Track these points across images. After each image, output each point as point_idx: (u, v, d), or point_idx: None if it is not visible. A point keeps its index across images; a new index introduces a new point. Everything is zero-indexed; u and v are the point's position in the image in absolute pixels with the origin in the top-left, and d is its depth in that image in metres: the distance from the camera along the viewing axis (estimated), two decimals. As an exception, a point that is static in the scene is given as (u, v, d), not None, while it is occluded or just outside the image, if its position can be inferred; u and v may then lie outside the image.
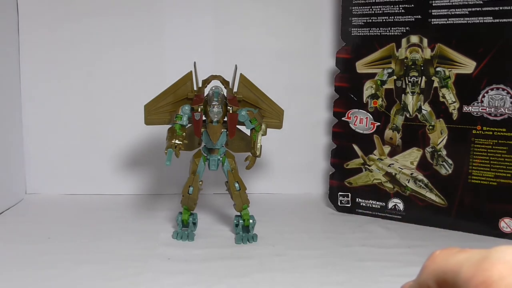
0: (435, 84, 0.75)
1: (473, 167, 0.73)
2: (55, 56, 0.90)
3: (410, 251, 0.67)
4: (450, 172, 0.75)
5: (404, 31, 0.76)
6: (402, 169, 0.79)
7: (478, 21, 0.71)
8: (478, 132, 0.72)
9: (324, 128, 0.95)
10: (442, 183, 0.76)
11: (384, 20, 0.78)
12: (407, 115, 0.78)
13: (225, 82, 0.70)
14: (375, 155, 0.81)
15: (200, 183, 0.69)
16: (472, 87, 0.72)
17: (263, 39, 0.93)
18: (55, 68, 0.90)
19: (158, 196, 0.92)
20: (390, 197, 0.81)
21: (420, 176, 0.78)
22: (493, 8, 0.69)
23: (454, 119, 0.74)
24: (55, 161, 0.92)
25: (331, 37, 0.93)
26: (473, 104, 0.72)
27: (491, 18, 0.69)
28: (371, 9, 0.79)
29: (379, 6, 0.78)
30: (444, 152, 0.76)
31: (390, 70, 0.78)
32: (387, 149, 0.80)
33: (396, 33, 0.77)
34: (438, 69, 0.74)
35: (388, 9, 0.77)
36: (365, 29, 0.80)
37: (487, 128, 0.72)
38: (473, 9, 0.71)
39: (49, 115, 0.91)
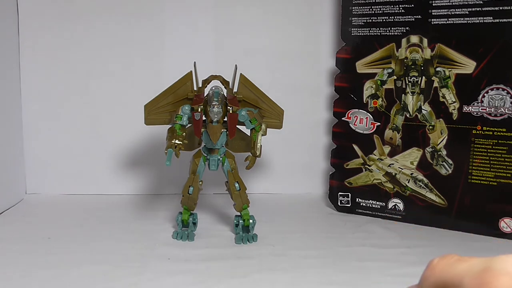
0: (435, 84, 0.75)
1: (473, 167, 0.73)
2: (55, 56, 0.90)
3: (410, 251, 0.67)
4: (450, 172, 0.75)
5: (404, 31, 0.76)
6: (402, 169, 0.79)
7: (478, 21, 0.70)
8: (478, 132, 0.72)
9: (324, 128, 0.95)
10: (442, 183, 0.76)
11: (384, 20, 0.78)
12: (407, 115, 0.78)
13: (225, 82, 0.70)
14: (375, 155, 0.81)
15: (200, 183, 0.69)
16: (472, 87, 0.72)
17: (263, 39, 0.93)
18: (55, 68, 0.90)
19: (158, 196, 0.92)
20: (390, 197, 0.81)
21: (420, 176, 0.78)
22: (493, 8, 0.69)
23: (454, 119, 0.74)
24: (55, 161, 0.92)
25: (331, 37, 0.93)
26: (473, 104, 0.72)
27: (491, 18, 0.69)
28: (371, 9, 0.79)
29: (379, 6, 0.78)
30: (444, 152, 0.76)
31: (390, 70, 0.78)
32: (387, 149, 0.80)
33: (396, 33, 0.77)
34: (438, 69, 0.74)
35: (388, 9, 0.77)
36: (365, 29, 0.80)
37: (487, 128, 0.72)
38: (473, 9, 0.71)
39: (49, 115, 0.91)
